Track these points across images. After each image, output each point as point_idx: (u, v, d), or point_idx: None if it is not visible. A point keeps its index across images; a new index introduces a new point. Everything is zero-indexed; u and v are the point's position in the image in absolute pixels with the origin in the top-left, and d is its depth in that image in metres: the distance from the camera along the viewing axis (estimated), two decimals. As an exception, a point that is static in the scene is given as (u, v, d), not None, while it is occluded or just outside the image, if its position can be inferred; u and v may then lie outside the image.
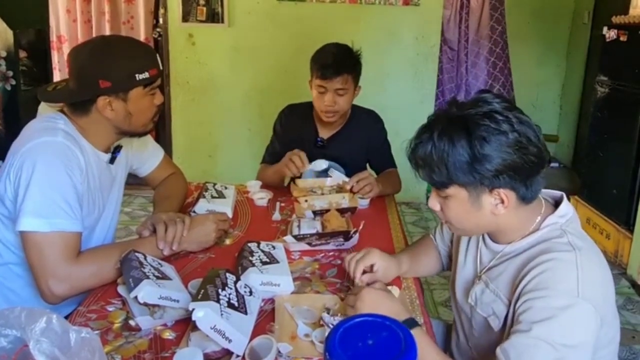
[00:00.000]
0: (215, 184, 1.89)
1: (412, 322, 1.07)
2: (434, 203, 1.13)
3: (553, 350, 0.95)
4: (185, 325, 1.15)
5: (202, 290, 1.08)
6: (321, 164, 1.99)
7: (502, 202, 1.04)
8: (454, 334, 1.35)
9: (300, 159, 1.90)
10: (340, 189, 1.93)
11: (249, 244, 1.44)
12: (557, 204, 1.14)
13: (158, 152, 1.81)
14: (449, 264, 1.43)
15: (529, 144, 1.01)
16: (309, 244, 1.52)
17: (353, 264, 1.31)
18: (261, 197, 1.92)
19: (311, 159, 2.15)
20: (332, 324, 1.11)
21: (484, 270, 1.17)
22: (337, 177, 2.00)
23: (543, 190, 1.15)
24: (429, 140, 1.03)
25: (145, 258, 1.29)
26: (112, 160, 1.52)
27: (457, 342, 1.32)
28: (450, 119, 1.03)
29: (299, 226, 1.64)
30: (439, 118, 1.06)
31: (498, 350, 1.00)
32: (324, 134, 2.15)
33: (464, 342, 1.27)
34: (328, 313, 1.16)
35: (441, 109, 1.09)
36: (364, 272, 1.32)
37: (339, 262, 1.48)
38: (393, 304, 1.13)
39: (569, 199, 1.15)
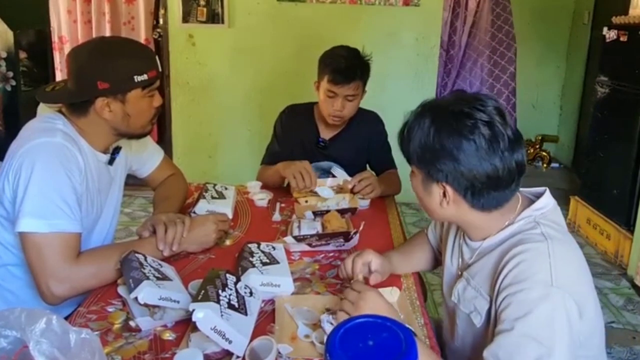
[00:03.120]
0: (215, 185, 1.88)
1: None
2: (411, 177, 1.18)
3: (539, 344, 0.94)
4: (186, 326, 1.15)
5: (202, 291, 1.08)
6: (327, 192, 1.93)
7: (445, 196, 1.07)
8: (444, 333, 1.35)
9: (310, 179, 1.85)
10: (340, 190, 1.93)
11: (249, 245, 1.44)
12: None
13: (158, 153, 1.80)
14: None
15: (480, 162, 1.01)
16: (309, 244, 1.52)
17: (350, 262, 1.33)
18: (261, 198, 1.92)
19: (312, 160, 2.15)
20: (331, 323, 1.11)
21: (464, 267, 1.18)
22: (340, 176, 1.99)
23: (527, 189, 1.16)
24: (408, 118, 1.12)
25: (145, 259, 1.28)
26: (111, 162, 1.52)
27: (447, 341, 1.32)
28: (432, 106, 1.10)
29: (299, 227, 1.64)
30: (429, 103, 1.12)
31: (486, 354, 0.99)
32: (326, 134, 2.15)
33: (454, 341, 1.26)
34: (328, 313, 1.16)
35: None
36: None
37: (339, 262, 1.48)
38: (391, 313, 1.11)
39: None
